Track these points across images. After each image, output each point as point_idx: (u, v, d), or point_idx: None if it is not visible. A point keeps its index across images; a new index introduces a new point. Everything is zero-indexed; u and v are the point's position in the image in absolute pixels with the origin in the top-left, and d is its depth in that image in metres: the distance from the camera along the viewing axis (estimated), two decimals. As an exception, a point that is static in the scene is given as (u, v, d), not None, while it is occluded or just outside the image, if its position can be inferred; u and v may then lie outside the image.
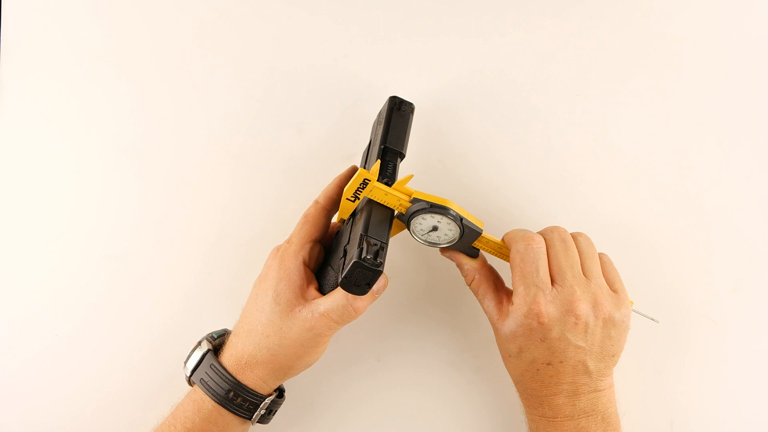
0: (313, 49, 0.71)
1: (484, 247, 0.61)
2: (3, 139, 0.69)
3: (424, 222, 0.59)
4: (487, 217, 0.67)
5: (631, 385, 0.67)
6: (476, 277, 0.61)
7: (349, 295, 0.56)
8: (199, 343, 0.61)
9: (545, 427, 0.58)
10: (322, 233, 0.62)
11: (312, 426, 0.67)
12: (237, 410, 0.58)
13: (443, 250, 0.62)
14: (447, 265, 0.67)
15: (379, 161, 0.59)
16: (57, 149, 0.70)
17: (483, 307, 0.61)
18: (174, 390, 0.62)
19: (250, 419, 0.59)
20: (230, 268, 0.68)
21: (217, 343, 0.61)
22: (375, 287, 0.56)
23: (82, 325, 0.68)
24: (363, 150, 0.67)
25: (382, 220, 0.57)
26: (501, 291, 0.61)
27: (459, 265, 0.62)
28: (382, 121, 0.63)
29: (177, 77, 0.70)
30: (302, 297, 0.58)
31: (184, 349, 0.61)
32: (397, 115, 0.63)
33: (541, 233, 0.60)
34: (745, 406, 0.67)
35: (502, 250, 0.60)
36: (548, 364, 0.57)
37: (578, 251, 0.59)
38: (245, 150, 0.70)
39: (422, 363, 0.68)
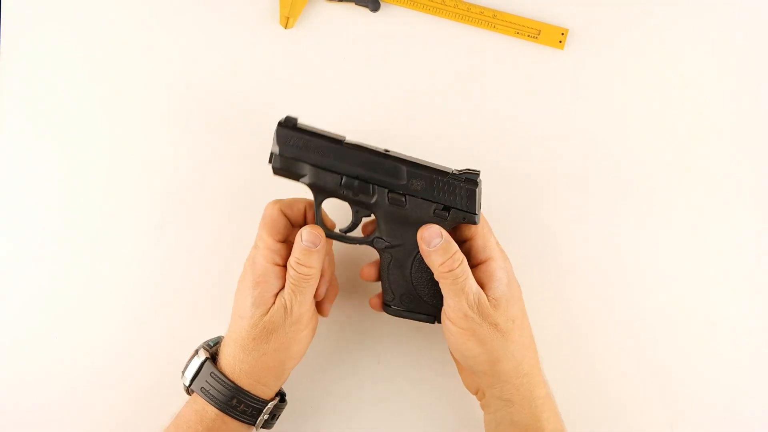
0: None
1: None
2: (3, 139, 0.68)
3: None
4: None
5: (632, 386, 0.68)
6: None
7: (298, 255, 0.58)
8: (197, 352, 0.60)
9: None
10: (285, 233, 0.61)
11: (313, 427, 0.67)
12: (241, 417, 0.58)
13: None
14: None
15: None
16: (57, 149, 0.69)
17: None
18: (173, 395, 0.62)
19: (254, 425, 0.59)
20: (230, 269, 0.68)
21: (214, 351, 0.61)
22: (311, 240, 0.58)
23: (81, 327, 0.68)
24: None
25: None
26: None
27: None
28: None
29: (178, 77, 0.69)
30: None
31: (184, 353, 0.61)
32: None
33: None
34: (745, 406, 0.68)
35: None
36: None
37: None
38: (245, 150, 0.69)
39: (423, 363, 0.68)
